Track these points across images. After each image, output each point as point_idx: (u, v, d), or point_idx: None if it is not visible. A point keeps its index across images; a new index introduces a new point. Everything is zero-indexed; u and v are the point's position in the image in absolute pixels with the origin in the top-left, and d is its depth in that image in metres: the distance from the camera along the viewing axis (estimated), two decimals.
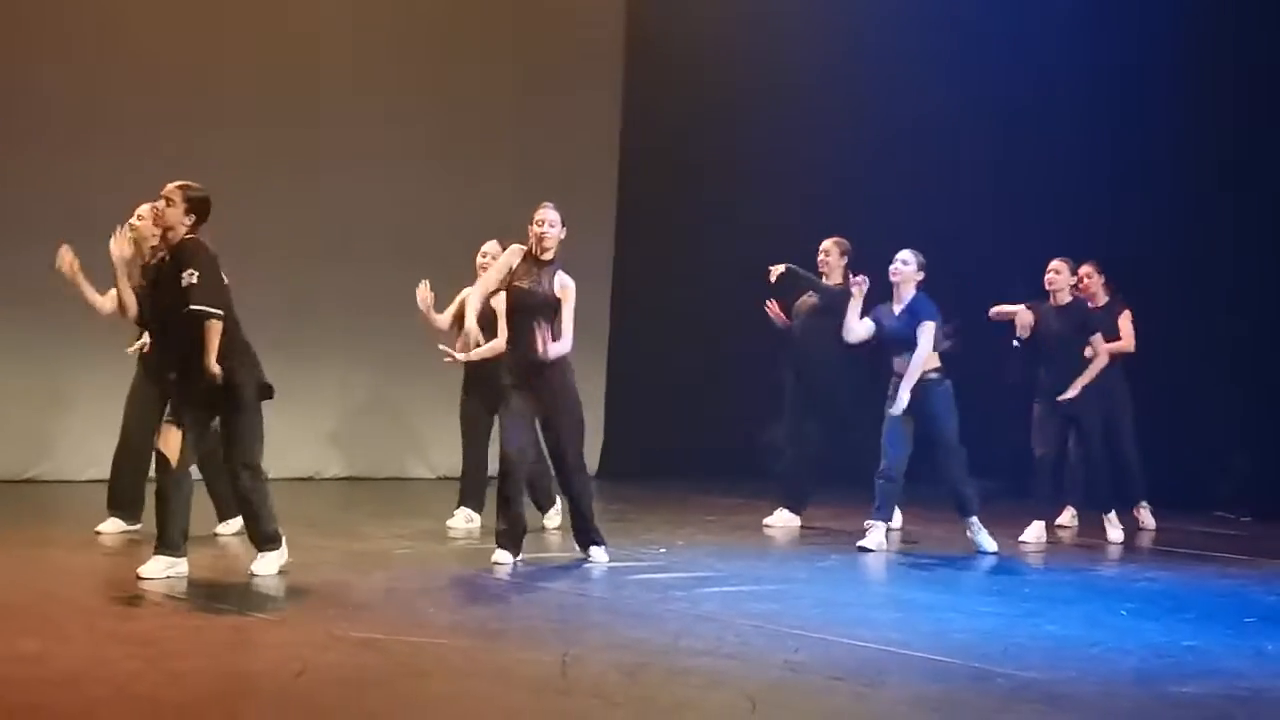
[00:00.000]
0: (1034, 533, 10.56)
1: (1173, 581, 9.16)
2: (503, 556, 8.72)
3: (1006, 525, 10.50)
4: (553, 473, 9.29)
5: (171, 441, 7.95)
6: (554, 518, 10.31)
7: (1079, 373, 10.65)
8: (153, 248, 8.74)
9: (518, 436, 8.68)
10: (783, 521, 10.89)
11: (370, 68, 13.15)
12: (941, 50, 13.77)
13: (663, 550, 9.57)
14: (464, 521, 10.22)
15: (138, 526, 9.36)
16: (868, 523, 9.92)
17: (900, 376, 9.82)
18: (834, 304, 10.41)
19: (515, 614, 7.68)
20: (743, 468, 13.91)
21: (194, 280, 7.88)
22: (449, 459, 13.50)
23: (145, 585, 7.80)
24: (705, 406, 14.19)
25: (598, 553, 9.03)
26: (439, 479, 13.48)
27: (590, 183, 13.96)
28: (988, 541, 9.95)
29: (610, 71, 14.25)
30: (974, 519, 9.98)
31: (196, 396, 7.96)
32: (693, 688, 6.11)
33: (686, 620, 7.38)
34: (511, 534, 8.75)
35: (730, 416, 14.22)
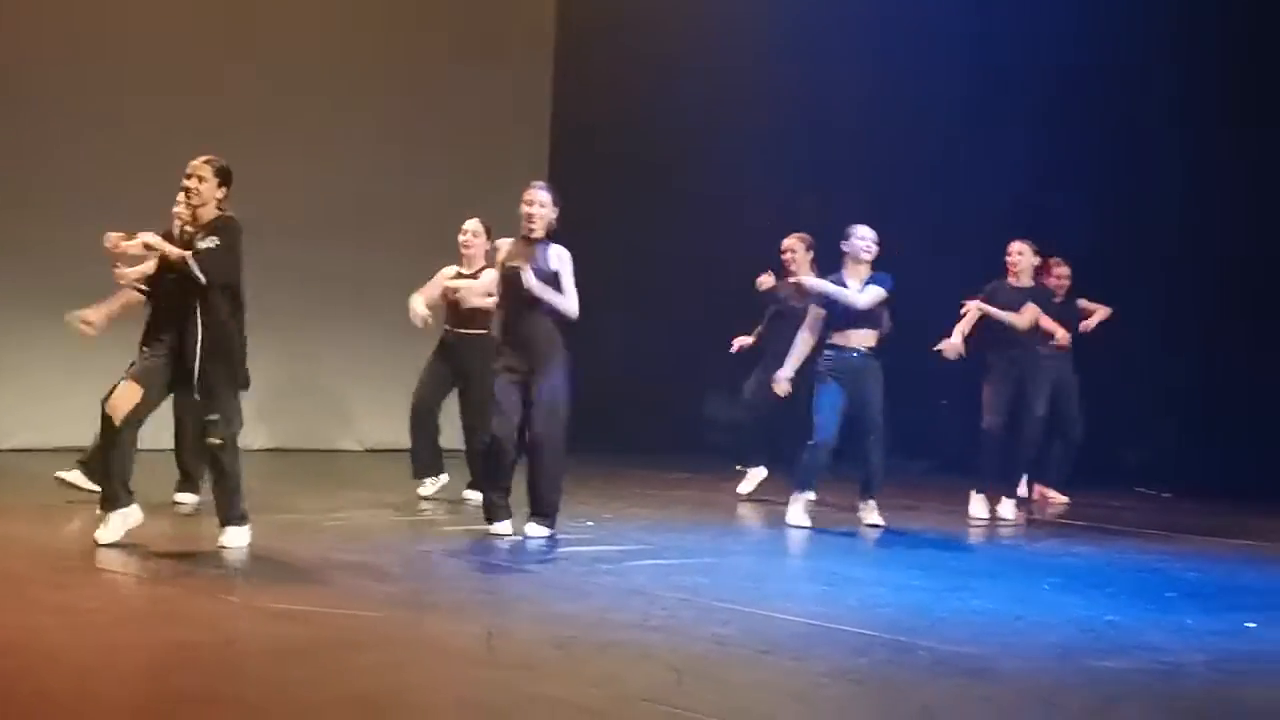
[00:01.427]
0: (1008, 509, 10.73)
1: (1095, 557, 9.27)
2: (504, 527, 8.87)
3: (955, 501, 10.58)
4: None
5: (125, 402, 7.90)
6: (429, 487, 10.38)
7: (1035, 351, 10.77)
8: (183, 228, 8.29)
9: (508, 420, 8.77)
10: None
11: (303, 45, 13.08)
12: (891, 36, 13.86)
13: (591, 524, 9.60)
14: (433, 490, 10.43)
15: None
16: (796, 496, 9.96)
17: (840, 349, 9.84)
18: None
19: (444, 587, 7.68)
20: (671, 442, 13.97)
21: (213, 246, 7.85)
22: (376, 431, 13.51)
23: (100, 554, 7.80)
24: (634, 381, 14.21)
25: (534, 528, 8.97)
26: (367, 451, 13.46)
27: (521, 157, 13.92)
28: (878, 519, 10.04)
29: (542, 45, 14.23)
30: (873, 500, 10.04)
31: (181, 373, 7.96)
32: (620, 660, 6.14)
33: (615, 594, 7.41)
34: (507, 506, 8.91)
35: (659, 391, 14.27)
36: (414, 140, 13.52)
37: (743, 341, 11.30)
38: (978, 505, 10.72)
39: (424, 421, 10.38)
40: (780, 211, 12.71)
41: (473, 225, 10.22)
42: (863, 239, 9.98)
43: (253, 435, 12.43)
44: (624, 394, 13.89)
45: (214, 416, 8.05)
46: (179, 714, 5.19)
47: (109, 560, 7.76)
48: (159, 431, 9.97)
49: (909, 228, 13.10)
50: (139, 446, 8.13)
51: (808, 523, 9.86)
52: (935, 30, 13.82)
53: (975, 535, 10.12)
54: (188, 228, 8.09)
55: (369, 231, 13.20)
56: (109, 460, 8.02)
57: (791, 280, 10.74)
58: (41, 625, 6.25)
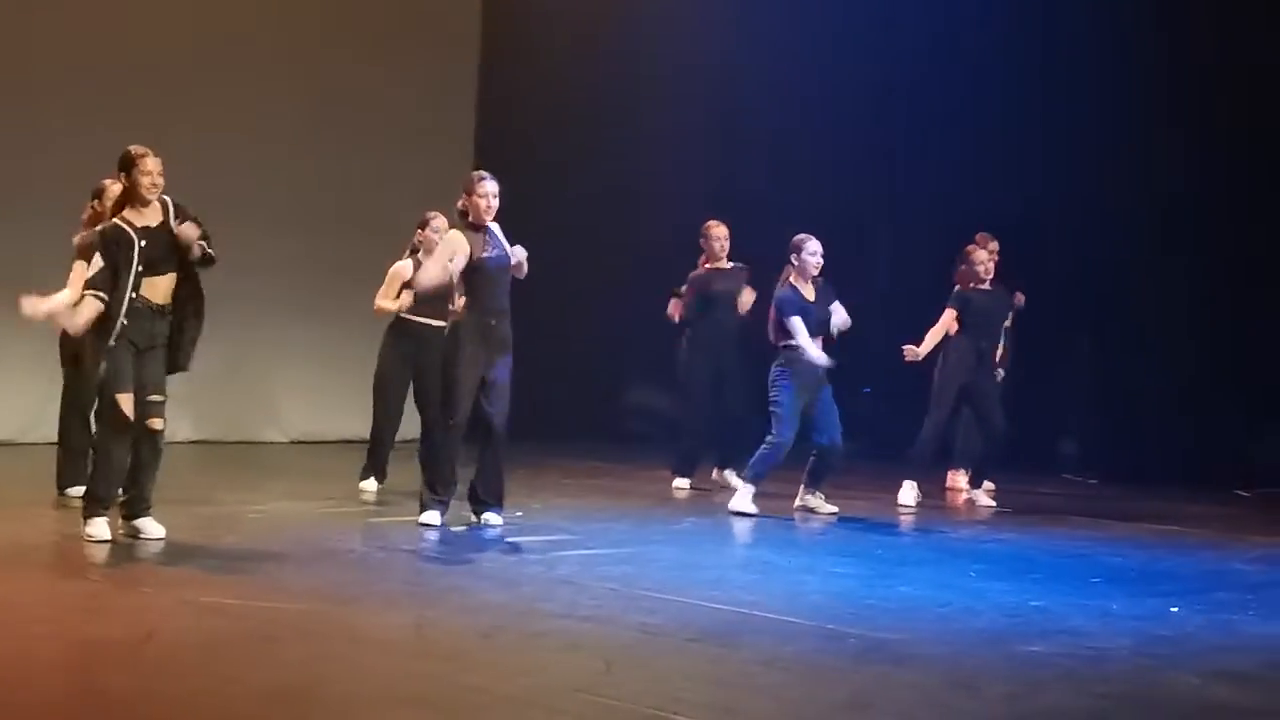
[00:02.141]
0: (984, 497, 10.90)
1: (1021, 543, 9.32)
2: (434, 518, 8.85)
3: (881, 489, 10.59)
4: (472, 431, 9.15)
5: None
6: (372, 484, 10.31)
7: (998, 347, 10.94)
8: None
9: (466, 410, 8.82)
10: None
11: (237, 41, 12.95)
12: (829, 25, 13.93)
13: (519, 514, 9.55)
14: (373, 488, 10.25)
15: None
16: (747, 486, 10.03)
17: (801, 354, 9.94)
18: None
19: (370, 578, 7.63)
20: (597, 431, 13.96)
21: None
22: (302, 423, 13.42)
23: (18, 549, 7.74)
24: (560, 370, 14.18)
25: (492, 517, 9.01)
26: (291, 443, 13.37)
27: (447, 144, 13.87)
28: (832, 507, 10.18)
29: (468, 30, 14.16)
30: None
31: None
32: (548, 650, 6.11)
33: (542, 583, 7.39)
34: (451, 496, 8.94)
35: (585, 380, 14.26)
36: (343, 128, 13.41)
37: (673, 307, 11.22)
38: (908, 492, 10.77)
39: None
40: (704, 200, 12.73)
41: (441, 224, 9.84)
42: (814, 254, 10.12)
43: (177, 427, 12.32)
44: (547, 381, 13.83)
45: (163, 399, 8.01)
46: (97, 712, 5.13)
47: (28, 555, 7.67)
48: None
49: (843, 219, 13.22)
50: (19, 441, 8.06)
51: (754, 510, 9.89)
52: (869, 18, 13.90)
53: (902, 522, 10.15)
54: (135, 219, 7.94)
55: (292, 221, 13.10)
56: (119, 467, 7.95)
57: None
58: None
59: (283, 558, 7.90)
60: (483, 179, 8.91)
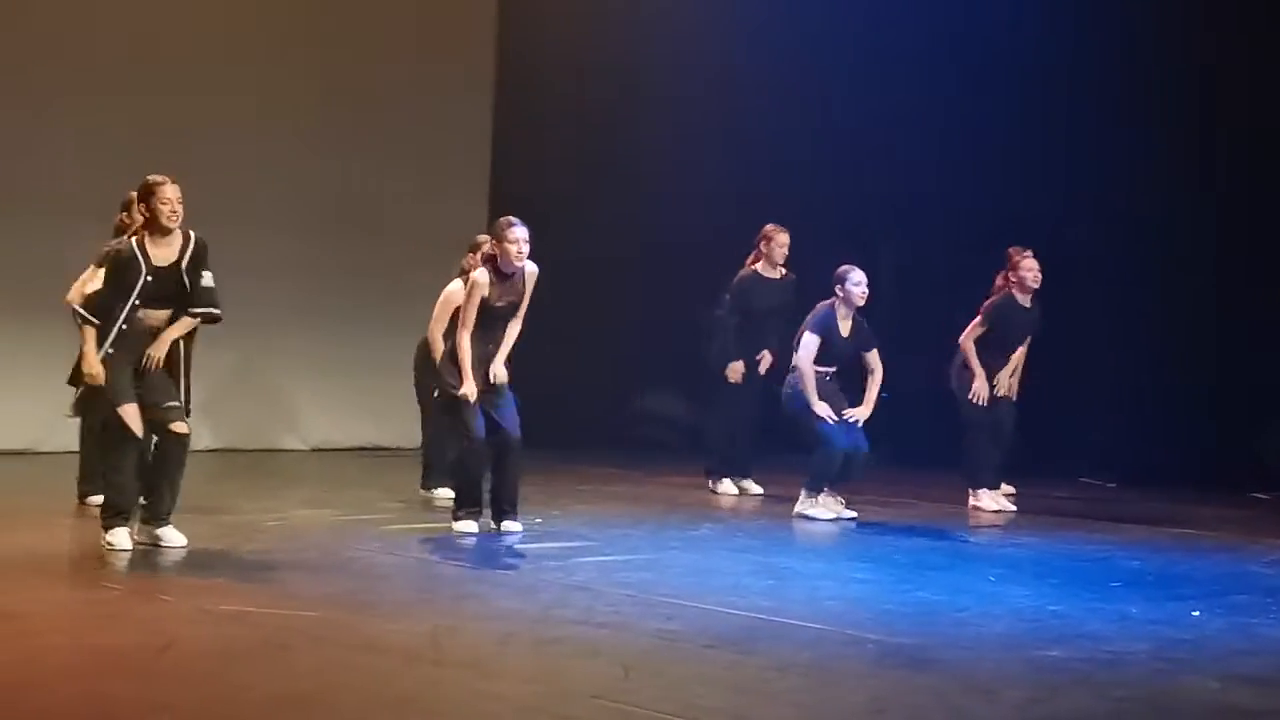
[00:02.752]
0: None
1: (1039, 547, 9.30)
2: (474, 527, 9.00)
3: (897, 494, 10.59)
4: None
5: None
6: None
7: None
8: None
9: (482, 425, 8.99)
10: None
11: (252, 55, 12.95)
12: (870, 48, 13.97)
13: (537, 520, 9.56)
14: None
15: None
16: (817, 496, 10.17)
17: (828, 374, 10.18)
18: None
19: (387, 585, 7.63)
20: (614, 438, 13.95)
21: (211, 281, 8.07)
22: (321, 431, 13.44)
23: (36, 559, 7.78)
24: (578, 379, 14.18)
25: (512, 524, 9.10)
26: (311, 451, 13.38)
27: (463, 150, 13.88)
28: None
29: (483, 41, 14.15)
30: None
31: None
32: (565, 657, 6.11)
33: (560, 590, 7.38)
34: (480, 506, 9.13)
35: (602, 388, 14.26)
36: (366, 139, 13.40)
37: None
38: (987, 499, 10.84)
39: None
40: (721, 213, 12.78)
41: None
42: (861, 284, 10.13)
43: (197, 435, 12.33)
44: (563, 388, 13.84)
45: (178, 403, 8.07)
46: None
47: (45, 564, 7.68)
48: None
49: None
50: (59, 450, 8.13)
51: (829, 515, 10.07)
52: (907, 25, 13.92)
53: (920, 527, 10.12)
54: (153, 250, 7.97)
55: (312, 227, 13.12)
56: (130, 477, 8.04)
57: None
58: None
59: (300, 565, 7.91)
60: (511, 225, 8.94)
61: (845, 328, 10.21)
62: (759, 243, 11.15)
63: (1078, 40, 13.50)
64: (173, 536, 8.09)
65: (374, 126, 13.47)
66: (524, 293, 9.01)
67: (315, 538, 8.68)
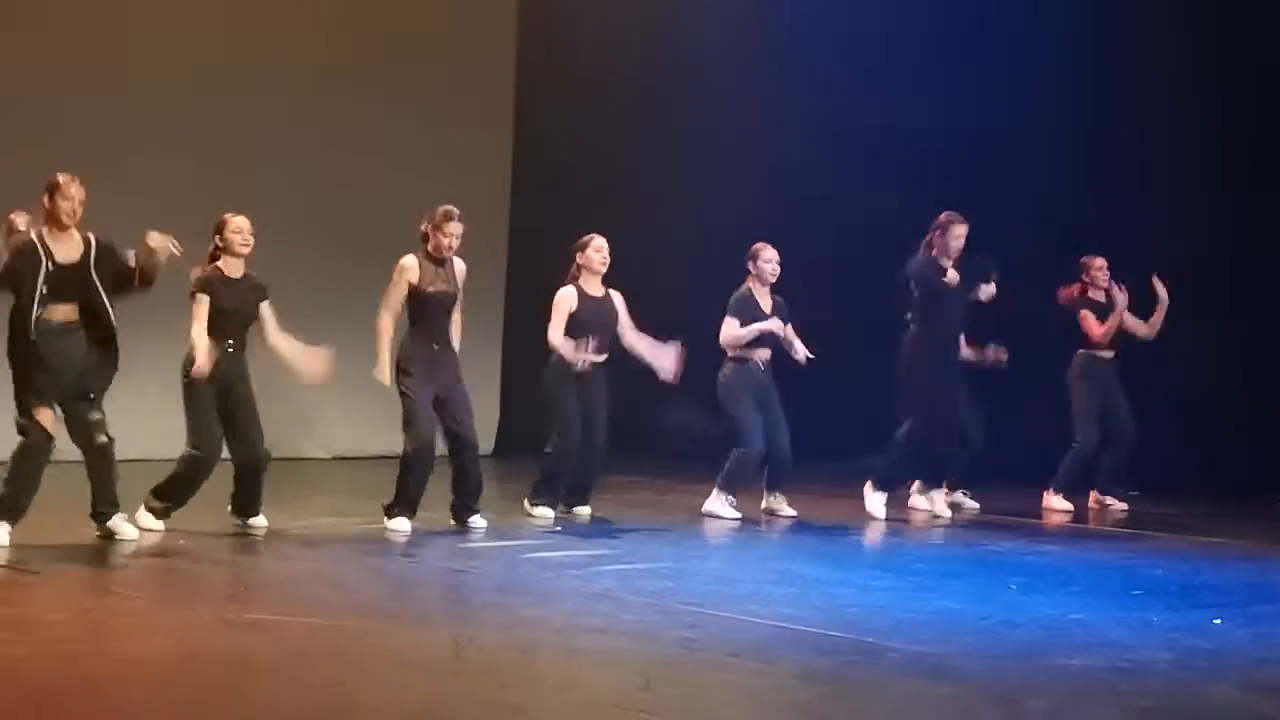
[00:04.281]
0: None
1: (1060, 556, 9.29)
2: (406, 526, 9.14)
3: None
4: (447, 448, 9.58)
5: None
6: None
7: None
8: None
9: (431, 427, 9.36)
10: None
11: (271, 72, 12.97)
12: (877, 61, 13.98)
13: (559, 529, 9.58)
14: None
15: None
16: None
17: (751, 363, 10.23)
18: None
19: (409, 595, 7.66)
20: (636, 446, 13.93)
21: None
22: (342, 439, 13.46)
23: (62, 565, 7.88)
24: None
25: (478, 520, 9.48)
26: (333, 459, 13.41)
27: (486, 159, 13.89)
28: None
29: (503, 48, 14.17)
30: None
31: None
32: (587, 666, 6.13)
33: (581, 598, 7.40)
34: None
35: (622, 395, 14.23)
36: (378, 147, 13.41)
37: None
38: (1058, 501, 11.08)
39: None
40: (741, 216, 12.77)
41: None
42: (772, 261, 10.37)
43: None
44: None
45: (101, 416, 8.43)
46: None
47: (72, 572, 7.71)
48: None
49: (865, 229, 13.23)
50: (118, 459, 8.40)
51: (735, 515, 10.18)
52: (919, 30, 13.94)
53: (940, 535, 10.10)
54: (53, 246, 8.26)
55: (335, 245, 13.14)
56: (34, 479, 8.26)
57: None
58: None
59: (323, 575, 7.94)
60: (451, 218, 9.32)
61: (766, 305, 10.37)
62: (749, 263, 10.98)
63: (1099, 38, 13.49)
64: (125, 528, 8.51)
65: (396, 138, 13.46)
66: (459, 285, 9.39)
67: (338, 547, 8.70)
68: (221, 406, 8.89)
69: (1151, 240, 12.82)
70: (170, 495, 8.87)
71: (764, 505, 10.54)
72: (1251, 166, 13.13)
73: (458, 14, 13.97)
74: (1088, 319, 11.25)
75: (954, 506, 11.15)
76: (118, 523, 8.52)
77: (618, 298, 10.13)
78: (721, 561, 8.73)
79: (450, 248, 9.31)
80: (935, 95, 13.75)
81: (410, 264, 9.28)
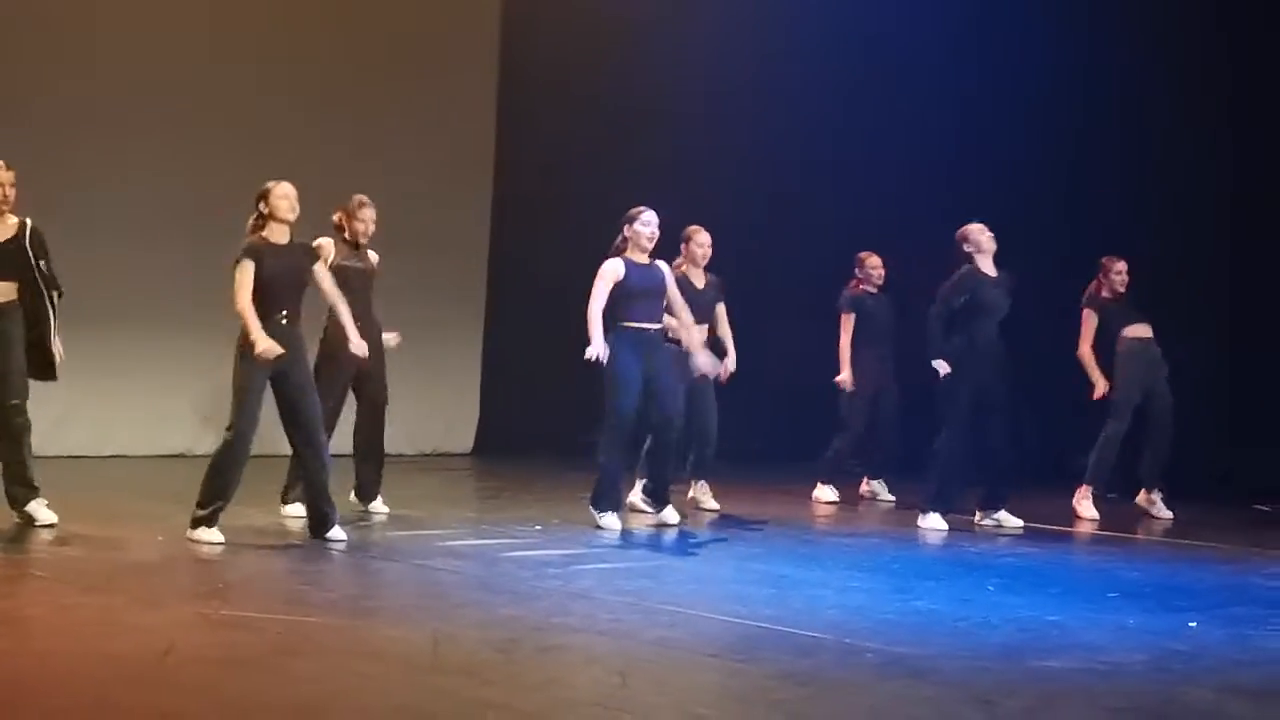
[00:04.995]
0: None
1: (1038, 558, 9.32)
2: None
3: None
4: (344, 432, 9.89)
5: None
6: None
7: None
8: None
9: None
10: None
11: (254, 59, 12.92)
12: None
13: (538, 528, 9.58)
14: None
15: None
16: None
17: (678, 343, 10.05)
18: None
19: (388, 592, 7.66)
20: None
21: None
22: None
23: (44, 561, 7.93)
24: (582, 383, 14.16)
25: (380, 504, 9.83)
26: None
27: (467, 160, 13.87)
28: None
29: (487, 48, 14.13)
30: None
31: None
32: (564, 664, 6.14)
33: (560, 597, 7.40)
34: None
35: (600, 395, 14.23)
36: (386, 137, 13.37)
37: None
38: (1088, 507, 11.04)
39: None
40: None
41: (651, 216, 9.86)
42: (701, 245, 10.51)
43: (196, 441, 12.36)
44: (564, 395, 13.84)
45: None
46: None
47: (52, 568, 7.70)
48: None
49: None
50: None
51: (617, 526, 9.68)
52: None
53: (919, 538, 10.12)
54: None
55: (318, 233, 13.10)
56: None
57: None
58: None
59: (302, 571, 7.94)
60: (367, 204, 9.68)
61: (700, 283, 10.51)
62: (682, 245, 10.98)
63: (1110, 39, 13.56)
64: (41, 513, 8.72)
65: (380, 139, 13.39)
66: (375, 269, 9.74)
67: (317, 544, 8.69)
68: (278, 390, 8.59)
69: (1134, 241, 12.87)
70: (211, 495, 8.52)
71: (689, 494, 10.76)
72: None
73: (443, 17, 13.92)
74: (1088, 321, 11.16)
75: (871, 495, 11.51)
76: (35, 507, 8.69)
77: (665, 268, 9.85)
78: (700, 562, 8.74)
79: (364, 232, 9.69)
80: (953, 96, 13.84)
81: (326, 243, 9.51)
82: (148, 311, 12.20)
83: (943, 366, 10.07)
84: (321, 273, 8.85)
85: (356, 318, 9.26)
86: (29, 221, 8.70)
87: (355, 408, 9.85)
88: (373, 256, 9.75)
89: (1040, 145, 13.80)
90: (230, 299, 8.48)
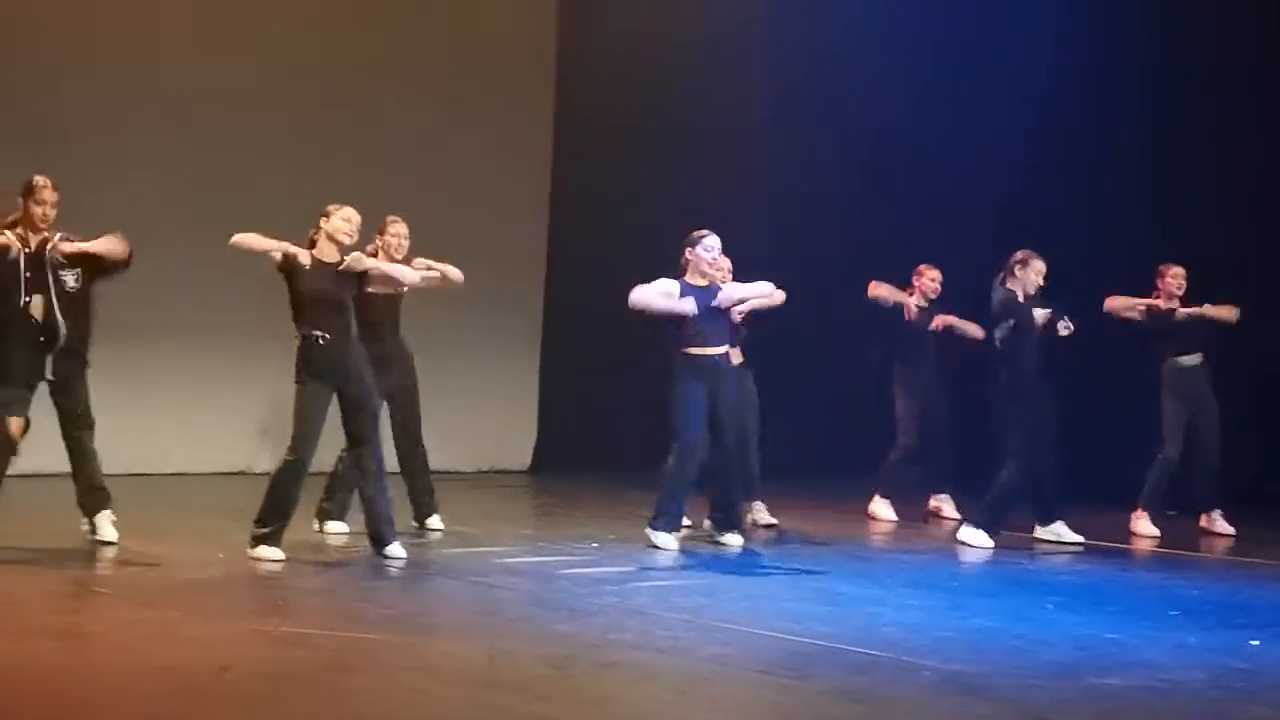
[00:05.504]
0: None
1: (1097, 575, 9.26)
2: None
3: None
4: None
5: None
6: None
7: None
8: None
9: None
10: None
11: (304, 76, 12.96)
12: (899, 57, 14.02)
13: (594, 545, 9.59)
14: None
15: None
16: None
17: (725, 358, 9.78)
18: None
19: (444, 608, 7.68)
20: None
21: None
22: (387, 454, 13.47)
23: (109, 578, 8.02)
24: (639, 400, 14.17)
25: (436, 521, 9.78)
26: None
27: (525, 173, 13.89)
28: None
29: (543, 58, 14.15)
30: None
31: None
32: (621, 681, 6.14)
33: (616, 614, 7.41)
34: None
35: (657, 412, 14.22)
36: (445, 153, 13.40)
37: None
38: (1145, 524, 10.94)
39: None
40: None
41: (714, 241, 9.76)
42: (714, 250, 9.75)
43: (257, 458, 12.44)
44: (626, 410, 13.85)
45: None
46: None
47: (113, 584, 7.77)
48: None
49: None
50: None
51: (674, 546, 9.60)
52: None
53: (974, 555, 10.05)
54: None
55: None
56: None
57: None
58: (35, 650, 6.24)
59: (360, 587, 7.97)
60: (394, 222, 9.60)
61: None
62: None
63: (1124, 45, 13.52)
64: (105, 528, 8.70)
65: (435, 143, 13.42)
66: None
67: (375, 560, 8.71)
68: (341, 406, 8.71)
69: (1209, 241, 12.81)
70: (272, 515, 8.53)
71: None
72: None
73: (499, 18, 13.93)
74: (1118, 301, 11.09)
75: (937, 512, 11.46)
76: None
77: (722, 287, 9.69)
78: (757, 579, 8.72)
79: (397, 248, 9.56)
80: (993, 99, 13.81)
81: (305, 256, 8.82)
82: (207, 329, 12.27)
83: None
84: (368, 261, 8.84)
85: (383, 339, 9.36)
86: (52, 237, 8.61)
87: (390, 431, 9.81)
88: (416, 269, 9.41)
89: (1109, 145, 13.75)
90: (288, 317, 8.67)
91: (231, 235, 8.70)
